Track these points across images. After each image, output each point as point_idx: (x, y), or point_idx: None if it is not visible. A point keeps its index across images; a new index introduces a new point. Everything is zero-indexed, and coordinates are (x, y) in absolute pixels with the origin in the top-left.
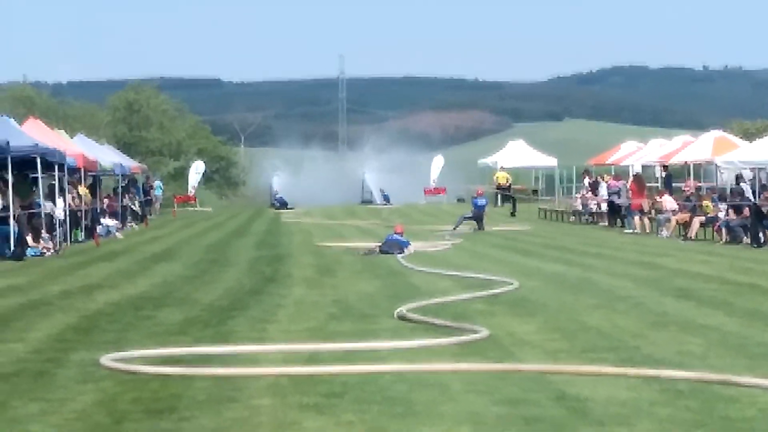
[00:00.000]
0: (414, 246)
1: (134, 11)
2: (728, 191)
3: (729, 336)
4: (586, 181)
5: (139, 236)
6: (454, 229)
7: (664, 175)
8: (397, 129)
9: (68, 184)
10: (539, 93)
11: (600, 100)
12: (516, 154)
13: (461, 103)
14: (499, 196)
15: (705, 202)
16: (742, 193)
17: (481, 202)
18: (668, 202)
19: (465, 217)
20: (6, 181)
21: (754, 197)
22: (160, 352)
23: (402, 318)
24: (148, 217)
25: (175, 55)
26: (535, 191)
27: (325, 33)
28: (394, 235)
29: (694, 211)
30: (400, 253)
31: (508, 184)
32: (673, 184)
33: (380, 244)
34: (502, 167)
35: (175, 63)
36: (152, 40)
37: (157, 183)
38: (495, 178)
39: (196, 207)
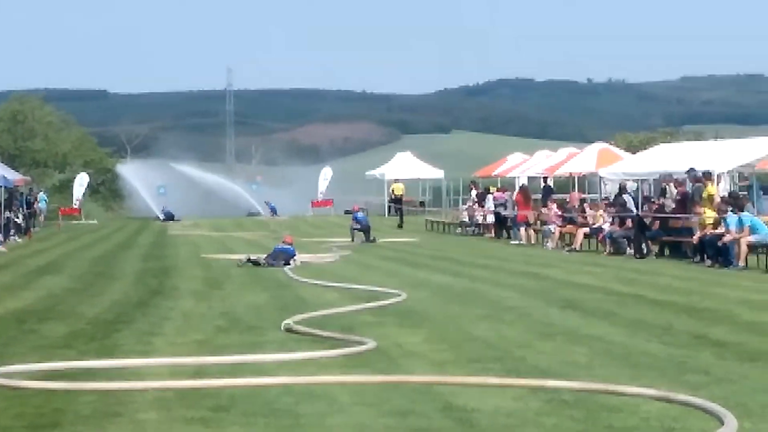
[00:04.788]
0: (300, 257)
1: (18, 22)
2: (611, 200)
3: (613, 346)
4: (473, 193)
5: (23, 249)
6: (352, 240)
7: (542, 187)
8: (285, 141)
9: None
10: (427, 105)
11: (487, 112)
12: (403, 166)
13: (349, 115)
14: (392, 207)
15: (599, 212)
16: (624, 204)
17: (360, 215)
18: (554, 210)
19: (354, 228)
20: None
21: (637, 209)
22: (44, 366)
23: (289, 330)
24: (32, 229)
25: (60, 66)
26: (422, 203)
27: (213, 45)
28: (282, 244)
29: (574, 222)
30: (286, 263)
31: (401, 196)
32: (558, 196)
33: (267, 255)
34: (396, 179)
35: (60, 75)
36: (37, 51)
37: (41, 195)
38: (391, 190)
39: (81, 220)
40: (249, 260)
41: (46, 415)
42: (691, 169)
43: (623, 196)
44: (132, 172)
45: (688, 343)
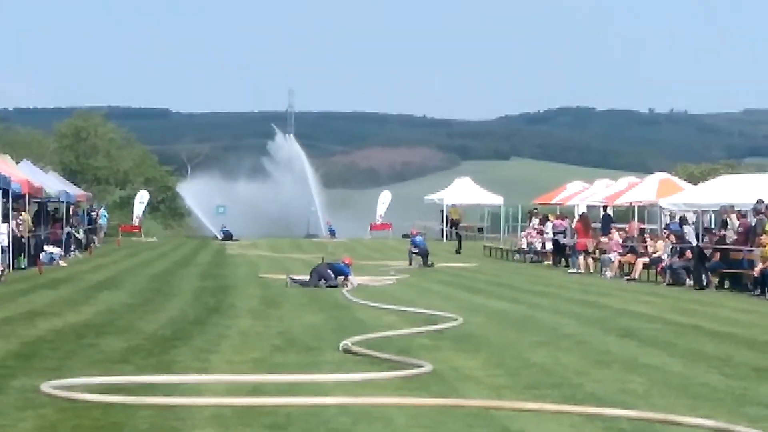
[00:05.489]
0: (357, 279)
1: (83, 40)
2: (667, 227)
3: (671, 375)
4: (535, 221)
5: (83, 264)
6: (410, 264)
7: (602, 216)
8: (345, 164)
9: (13, 210)
10: (487, 131)
11: (547, 140)
12: (462, 192)
13: (409, 139)
14: (448, 231)
15: (659, 241)
16: (682, 236)
17: (419, 239)
18: (616, 238)
19: (412, 252)
20: None
21: (697, 240)
22: (102, 380)
23: (347, 351)
24: (93, 245)
25: (124, 85)
26: (480, 229)
27: (275, 67)
28: (340, 263)
29: (635, 251)
30: (330, 276)
31: (458, 220)
32: (618, 225)
33: (312, 270)
34: (453, 204)
35: (124, 93)
36: (101, 69)
37: (102, 211)
38: (445, 214)
39: (140, 237)
40: (293, 280)
41: (104, 427)
42: (760, 201)
43: (683, 227)
44: (192, 192)
45: (748, 375)
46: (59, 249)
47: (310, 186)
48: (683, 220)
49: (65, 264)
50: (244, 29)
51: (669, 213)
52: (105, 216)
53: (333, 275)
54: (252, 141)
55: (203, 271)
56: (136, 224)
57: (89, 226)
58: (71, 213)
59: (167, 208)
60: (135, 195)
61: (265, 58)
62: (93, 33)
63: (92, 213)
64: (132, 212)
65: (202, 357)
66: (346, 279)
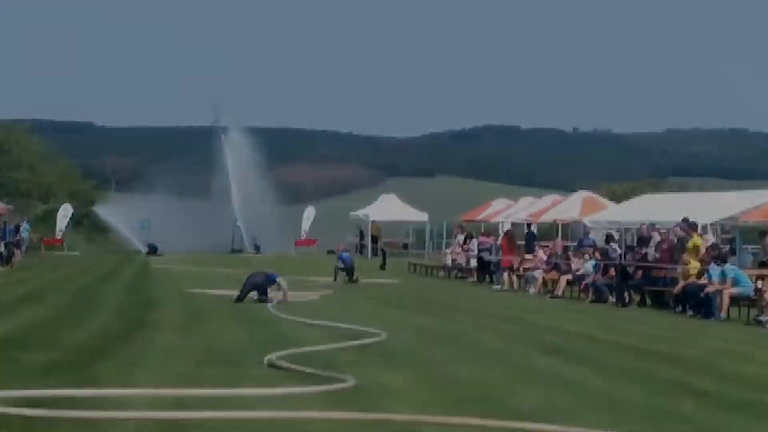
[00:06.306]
0: (283, 281)
1: (4, 52)
2: (580, 243)
3: (595, 391)
4: (461, 237)
5: (5, 278)
6: (335, 280)
7: (526, 233)
8: (270, 179)
9: None
10: (412, 149)
11: (472, 158)
12: (388, 208)
13: (335, 156)
14: (369, 247)
15: (584, 256)
16: (607, 253)
17: (345, 255)
18: (540, 255)
19: (338, 268)
20: None
21: (620, 258)
22: (23, 393)
23: (271, 365)
24: (14, 259)
25: (47, 98)
26: (405, 245)
27: (201, 81)
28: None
29: (559, 268)
30: (264, 288)
31: (377, 236)
32: (542, 243)
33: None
34: (373, 221)
35: (47, 106)
36: (24, 82)
37: (24, 225)
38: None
39: (64, 251)
40: (239, 298)
41: None
42: (685, 219)
43: (610, 244)
44: (111, 212)
45: (670, 391)
46: None
47: (232, 196)
48: (610, 238)
49: None
50: (168, 42)
51: (586, 230)
52: (27, 229)
53: (267, 287)
54: (178, 155)
55: (127, 285)
56: (60, 238)
57: (13, 240)
58: None
59: (91, 222)
60: (58, 209)
61: (190, 73)
62: (15, 45)
63: (19, 226)
64: (55, 226)
65: (125, 371)
66: (277, 286)
